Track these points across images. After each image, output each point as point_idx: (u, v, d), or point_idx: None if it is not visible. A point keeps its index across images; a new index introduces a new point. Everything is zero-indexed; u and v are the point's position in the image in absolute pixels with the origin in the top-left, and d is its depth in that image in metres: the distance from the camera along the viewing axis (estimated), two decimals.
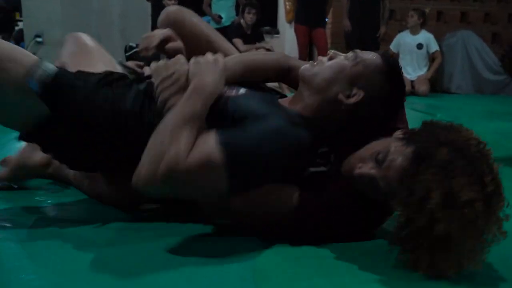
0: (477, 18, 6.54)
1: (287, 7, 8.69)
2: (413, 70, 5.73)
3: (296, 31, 5.81)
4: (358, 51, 1.26)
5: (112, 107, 1.26)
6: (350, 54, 1.25)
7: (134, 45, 4.96)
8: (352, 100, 1.20)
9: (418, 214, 0.99)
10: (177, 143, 1.06)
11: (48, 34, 5.02)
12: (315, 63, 1.27)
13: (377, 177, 1.11)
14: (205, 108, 1.15)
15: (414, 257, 1.05)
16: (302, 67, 1.28)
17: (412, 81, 5.62)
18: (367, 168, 1.13)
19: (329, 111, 1.23)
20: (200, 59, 1.24)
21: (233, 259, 1.11)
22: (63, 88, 1.22)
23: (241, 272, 1.06)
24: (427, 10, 5.94)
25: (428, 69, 5.74)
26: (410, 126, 1.27)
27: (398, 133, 1.18)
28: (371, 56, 1.25)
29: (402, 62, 5.65)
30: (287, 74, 1.39)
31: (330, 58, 1.26)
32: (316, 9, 5.52)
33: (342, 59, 1.24)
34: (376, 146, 1.17)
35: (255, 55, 1.54)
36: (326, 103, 1.22)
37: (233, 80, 1.28)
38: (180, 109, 1.13)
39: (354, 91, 1.20)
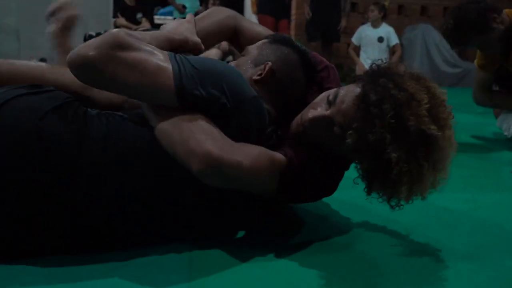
0: (437, 12, 6.68)
1: None
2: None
3: (260, 22, 5.78)
4: (248, 47, 1.33)
5: None
6: (243, 52, 1.34)
7: (93, 33, 4.84)
8: (265, 71, 1.21)
9: (376, 134, 1.00)
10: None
11: (2, 23, 4.88)
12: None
13: (332, 115, 1.11)
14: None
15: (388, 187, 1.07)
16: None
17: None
18: (320, 111, 1.14)
19: (261, 89, 1.19)
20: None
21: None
22: None
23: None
24: (386, 4, 6.01)
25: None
26: None
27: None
28: (259, 42, 1.32)
29: (363, 55, 5.79)
30: (237, 36, 1.41)
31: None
32: (280, 0, 5.52)
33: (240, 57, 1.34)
34: (320, 96, 1.20)
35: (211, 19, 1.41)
36: (253, 87, 1.18)
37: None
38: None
39: (261, 67, 1.22)
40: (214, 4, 5.66)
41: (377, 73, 1.10)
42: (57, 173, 1.00)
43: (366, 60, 5.80)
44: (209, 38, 1.34)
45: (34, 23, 5.04)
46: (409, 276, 1.06)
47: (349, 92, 1.11)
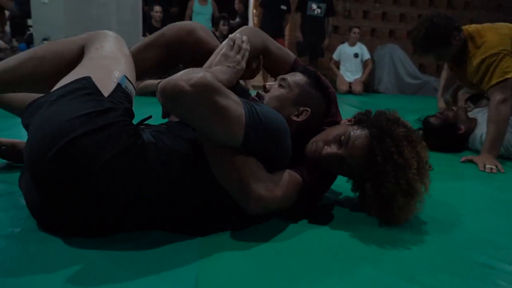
0: (402, 35, 6.64)
1: (255, 21, 8.62)
2: (351, 74, 5.79)
3: None
4: (286, 77, 1.22)
5: None
6: (282, 82, 1.21)
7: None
8: (303, 117, 1.18)
9: (380, 176, 1.09)
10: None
11: (54, 38, 4.84)
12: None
13: (343, 156, 1.13)
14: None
15: (382, 213, 1.17)
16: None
17: (350, 83, 5.69)
18: (334, 149, 1.15)
19: (293, 127, 1.16)
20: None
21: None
22: None
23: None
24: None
25: (363, 74, 5.81)
26: (347, 117, 1.28)
27: (345, 121, 1.25)
28: (298, 78, 1.22)
29: (342, 68, 5.77)
30: (267, 58, 1.31)
31: (267, 91, 1.21)
32: (277, 24, 5.50)
33: (280, 90, 1.20)
34: (333, 131, 1.19)
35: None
36: (288, 120, 1.13)
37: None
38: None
39: (301, 109, 1.18)
40: (224, 26, 5.62)
41: (383, 130, 1.12)
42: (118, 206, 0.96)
43: (345, 72, 5.81)
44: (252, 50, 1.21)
45: None
46: (372, 245, 1.07)
47: (358, 139, 1.13)
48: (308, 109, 1.18)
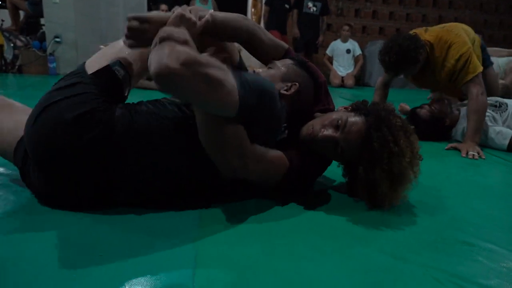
0: (391, 32, 6.61)
1: (254, 19, 8.54)
2: (344, 69, 5.78)
3: (273, 35, 5.64)
4: (274, 61, 1.22)
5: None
6: (269, 65, 1.22)
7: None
8: (292, 90, 1.16)
9: (374, 162, 1.09)
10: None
11: (64, 36, 4.82)
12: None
13: (339, 139, 1.12)
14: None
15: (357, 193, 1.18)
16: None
17: (342, 77, 5.68)
18: (330, 132, 1.13)
19: (285, 101, 1.13)
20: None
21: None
22: None
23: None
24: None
25: (354, 68, 5.80)
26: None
27: (341, 108, 1.24)
28: (285, 61, 1.22)
29: (335, 63, 5.75)
30: (253, 44, 1.23)
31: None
32: (282, 22, 5.48)
33: (266, 69, 1.20)
34: (330, 116, 1.17)
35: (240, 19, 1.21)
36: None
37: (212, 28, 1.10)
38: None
39: (290, 84, 1.16)
40: None
41: (381, 120, 1.11)
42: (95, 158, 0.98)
43: (338, 67, 5.79)
44: (224, 29, 1.14)
45: (88, 36, 5.00)
46: (362, 227, 1.09)
47: (355, 125, 1.12)
48: (296, 83, 1.16)
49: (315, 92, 1.25)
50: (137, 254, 0.85)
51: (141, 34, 0.99)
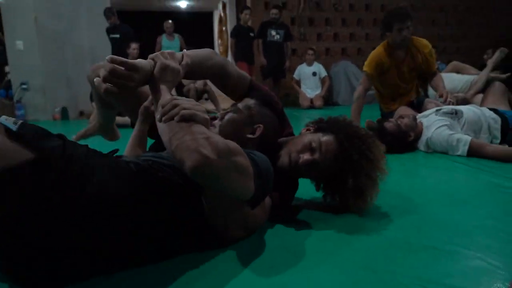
0: (353, 52, 6.94)
1: (220, 50, 8.77)
2: (311, 91, 5.97)
3: (239, 66, 5.75)
4: (237, 103, 1.24)
5: None
6: (232, 108, 1.22)
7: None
8: (257, 133, 1.18)
9: (350, 172, 1.20)
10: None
11: (31, 82, 4.78)
12: (211, 128, 1.13)
13: (319, 160, 1.21)
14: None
15: (346, 202, 1.26)
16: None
17: (311, 99, 5.86)
18: (308, 156, 1.21)
19: (251, 144, 1.17)
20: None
21: None
22: None
23: None
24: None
25: (322, 89, 6.00)
26: None
27: (304, 130, 1.33)
28: (247, 102, 1.23)
29: (303, 86, 5.93)
30: (222, 79, 1.24)
31: (222, 118, 1.20)
32: (249, 52, 5.63)
33: (231, 114, 1.20)
34: (300, 141, 1.24)
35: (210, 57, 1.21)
36: (245, 143, 1.14)
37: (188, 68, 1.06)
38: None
39: (255, 127, 1.18)
40: None
41: (349, 133, 1.22)
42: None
43: (306, 90, 5.98)
44: (200, 69, 1.14)
45: (55, 81, 4.98)
46: (329, 238, 1.15)
47: (329, 144, 1.21)
48: (260, 125, 1.18)
49: (280, 123, 1.30)
50: None
51: (124, 82, 0.91)
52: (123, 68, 0.91)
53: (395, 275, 0.92)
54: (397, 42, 2.87)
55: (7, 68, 5.18)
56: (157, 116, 0.90)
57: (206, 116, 0.90)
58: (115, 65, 0.90)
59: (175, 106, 0.88)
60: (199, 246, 1.02)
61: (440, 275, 0.91)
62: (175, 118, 0.86)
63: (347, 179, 1.21)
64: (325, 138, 1.22)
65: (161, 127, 0.88)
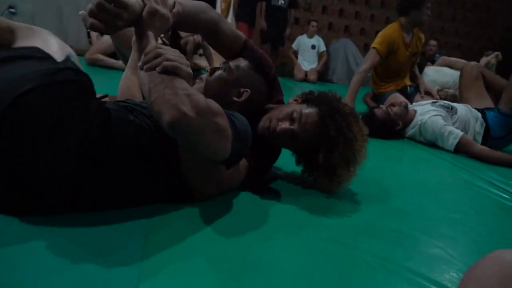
0: (356, 31, 6.82)
1: (222, 6, 8.47)
2: (308, 64, 5.88)
3: (238, 27, 5.63)
4: (228, 61, 1.20)
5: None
6: (223, 65, 1.19)
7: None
8: (243, 97, 1.16)
9: (324, 148, 1.17)
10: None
11: (20, 7, 4.54)
12: (198, 80, 1.19)
13: (296, 131, 1.19)
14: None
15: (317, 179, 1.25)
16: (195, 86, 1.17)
17: (306, 72, 5.79)
18: (287, 125, 1.19)
19: (235, 107, 1.14)
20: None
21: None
22: None
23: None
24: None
25: (318, 64, 5.93)
26: None
27: (291, 100, 1.30)
28: (239, 62, 1.21)
29: (300, 57, 5.84)
30: (215, 36, 1.21)
31: (211, 74, 1.19)
32: (252, 13, 5.46)
33: (221, 72, 1.18)
34: (284, 109, 1.23)
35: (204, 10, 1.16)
36: (229, 104, 1.13)
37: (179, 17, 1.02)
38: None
39: (242, 90, 1.17)
40: None
41: (333, 109, 1.19)
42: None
43: (302, 62, 5.89)
44: (192, 21, 1.11)
45: (47, 9, 4.73)
46: (309, 214, 1.17)
47: (310, 116, 1.19)
48: (248, 90, 1.17)
49: (268, 91, 1.28)
50: (77, 270, 0.73)
51: (112, 19, 0.86)
52: (111, 5, 0.85)
53: (359, 252, 0.95)
54: (420, 21, 3.03)
55: None
56: (139, 63, 0.88)
57: (189, 70, 0.88)
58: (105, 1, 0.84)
59: (159, 55, 0.85)
60: (170, 197, 1.03)
61: (400, 258, 0.96)
62: (157, 69, 0.84)
63: (320, 155, 1.18)
64: (307, 110, 1.21)
65: (142, 75, 0.87)
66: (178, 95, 0.80)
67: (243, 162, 1.16)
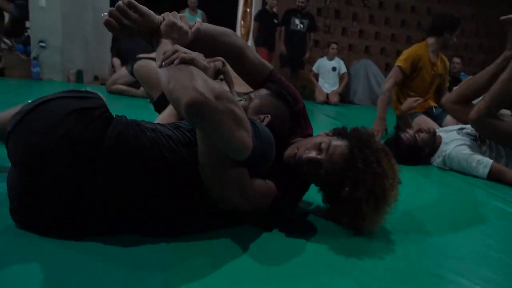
0: (376, 52, 6.78)
1: (242, 32, 8.65)
2: (329, 86, 5.86)
3: (259, 52, 5.70)
4: (250, 93, 1.23)
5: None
6: (245, 96, 1.22)
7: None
8: (264, 123, 1.15)
9: (358, 183, 1.09)
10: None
11: (49, 41, 4.75)
12: None
13: (323, 161, 1.13)
14: None
15: (350, 220, 1.16)
16: None
17: (327, 94, 5.75)
18: (314, 154, 1.14)
19: None
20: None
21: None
22: None
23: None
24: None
25: (339, 86, 5.89)
26: (324, 127, 1.30)
27: (322, 133, 1.26)
28: (261, 91, 1.22)
29: (321, 80, 5.82)
30: (239, 61, 1.23)
31: None
32: (271, 38, 5.54)
33: (242, 102, 1.19)
34: (313, 139, 1.20)
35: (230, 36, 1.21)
36: None
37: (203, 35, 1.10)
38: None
39: (262, 117, 1.16)
40: None
41: (363, 143, 1.13)
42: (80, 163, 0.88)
43: (323, 84, 5.87)
44: (212, 41, 1.15)
45: (74, 42, 4.94)
46: (339, 255, 1.10)
47: (338, 148, 1.14)
48: (268, 115, 1.15)
49: (292, 119, 1.25)
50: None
51: (127, 21, 0.98)
52: (131, 10, 0.97)
53: None
54: (449, 44, 3.06)
55: (27, 23, 5.15)
56: (158, 62, 0.93)
57: (206, 64, 0.93)
58: (124, 4, 0.96)
59: (176, 51, 0.91)
60: (192, 206, 1.01)
61: None
62: (175, 62, 0.89)
63: (346, 188, 1.11)
64: (337, 142, 1.16)
65: (160, 72, 0.91)
66: (195, 80, 0.83)
67: (271, 184, 1.11)
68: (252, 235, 1.11)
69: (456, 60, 5.13)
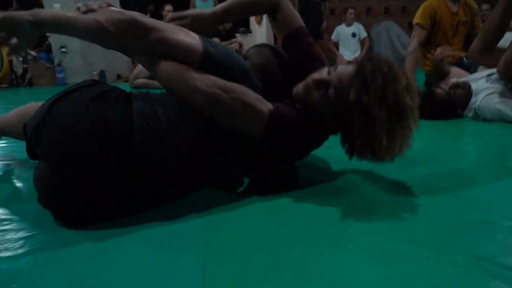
0: (397, 11, 6.48)
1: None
2: (350, 53, 5.67)
3: None
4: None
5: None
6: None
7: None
8: (234, 48, 1.21)
9: (370, 96, 0.98)
10: None
11: (70, 46, 4.86)
12: None
13: (330, 80, 1.05)
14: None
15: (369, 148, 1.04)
16: None
17: (349, 62, 5.56)
18: (322, 75, 1.08)
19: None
20: None
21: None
22: None
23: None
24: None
25: (361, 52, 5.68)
26: None
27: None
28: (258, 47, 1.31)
29: (341, 48, 5.64)
30: (275, 12, 1.29)
31: None
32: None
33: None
34: (319, 70, 1.11)
35: None
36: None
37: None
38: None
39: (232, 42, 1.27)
40: None
41: (372, 55, 1.07)
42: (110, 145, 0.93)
43: (344, 52, 5.68)
44: (238, 16, 1.33)
45: (94, 45, 5.02)
46: (375, 212, 1.05)
47: (346, 67, 1.06)
48: (238, 42, 1.29)
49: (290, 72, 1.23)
50: (142, 266, 0.81)
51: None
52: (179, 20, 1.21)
53: (443, 251, 0.82)
54: None
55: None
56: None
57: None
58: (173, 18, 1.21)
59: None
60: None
61: (498, 254, 0.80)
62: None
63: (352, 94, 1.00)
64: (343, 65, 1.08)
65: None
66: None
67: (263, 102, 1.04)
68: (280, 200, 1.09)
69: (485, 6, 4.76)
